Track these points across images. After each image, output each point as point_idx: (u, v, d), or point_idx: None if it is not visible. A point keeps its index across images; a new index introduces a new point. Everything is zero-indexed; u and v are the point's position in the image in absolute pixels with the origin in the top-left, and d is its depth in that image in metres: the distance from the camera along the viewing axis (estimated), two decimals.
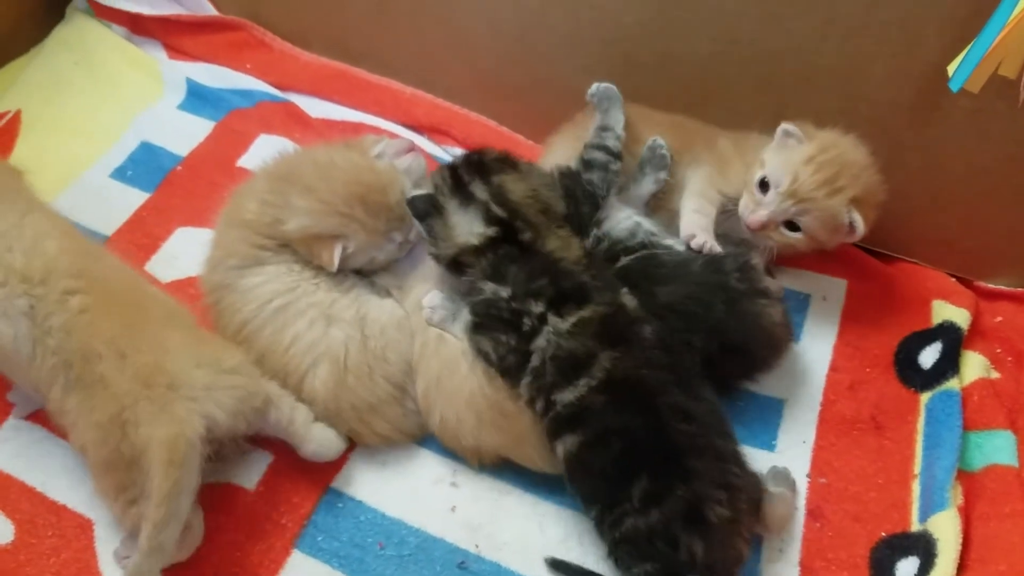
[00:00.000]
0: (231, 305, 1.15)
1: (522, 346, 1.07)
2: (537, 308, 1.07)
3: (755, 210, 1.21)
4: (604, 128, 1.30)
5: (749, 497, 1.02)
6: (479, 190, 1.13)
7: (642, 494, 0.98)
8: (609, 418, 1.02)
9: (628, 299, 1.12)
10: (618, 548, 1.02)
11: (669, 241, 1.26)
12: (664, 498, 0.98)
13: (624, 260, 1.21)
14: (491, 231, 1.11)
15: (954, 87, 1.08)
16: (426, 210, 1.14)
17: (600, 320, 1.06)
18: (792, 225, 1.21)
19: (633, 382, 1.03)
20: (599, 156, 1.27)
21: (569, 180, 1.25)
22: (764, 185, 1.21)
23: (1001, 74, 1.05)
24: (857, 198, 1.18)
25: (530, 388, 1.07)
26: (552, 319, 1.06)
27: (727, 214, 1.28)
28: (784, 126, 1.22)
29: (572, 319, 1.06)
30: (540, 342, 1.06)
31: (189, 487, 0.97)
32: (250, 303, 1.14)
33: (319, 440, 1.11)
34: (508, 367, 1.09)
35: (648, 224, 1.27)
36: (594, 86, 1.33)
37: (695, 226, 1.24)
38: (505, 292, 1.09)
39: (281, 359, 1.12)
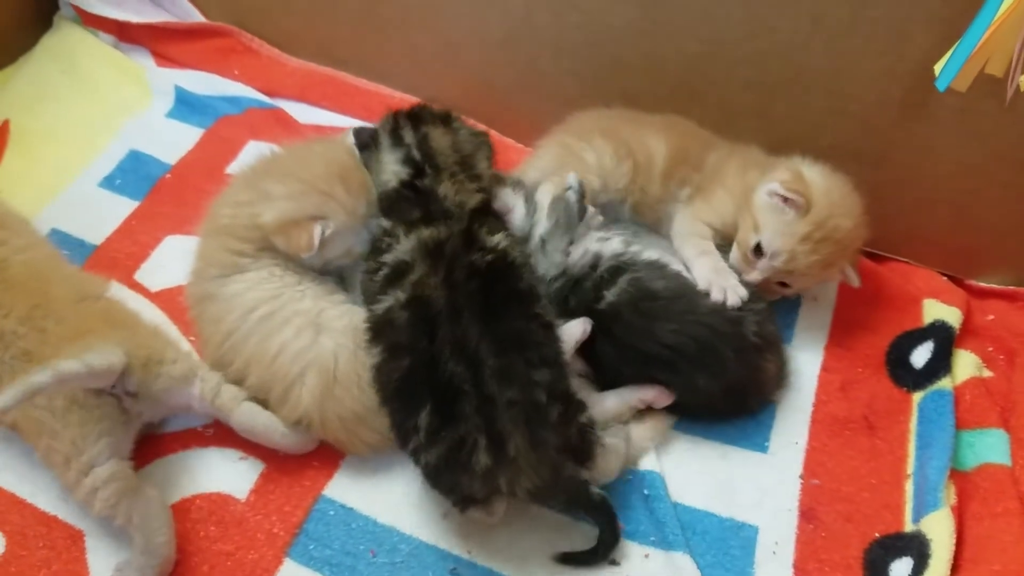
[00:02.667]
0: (214, 315, 1.14)
1: (378, 265, 1.11)
2: (398, 230, 1.12)
3: (749, 272, 1.21)
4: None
5: (524, 443, 0.99)
6: (408, 135, 1.21)
7: (426, 426, 1.00)
8: (401, 334, 1.04)
9: (504, 240, 1.11)
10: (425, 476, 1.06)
11: (650, 254, 1.21)
12: (436, 438, 1.00)
13: (608, 297, 1.16)
14: (405, 172, 1.17)
15: (941, 87, 1.07)
16: (367, 142, 1.23)
17: (435, 240, 1.09)
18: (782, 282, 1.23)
19: (428, 302, 1.04)
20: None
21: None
22: (759, 249, 1.19)
23: (988, 72, 1.05)
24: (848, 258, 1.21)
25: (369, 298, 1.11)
26: (401, 236, 1.11)
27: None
28: (775, 188, 1.16)
29: (413, 237, 1.10)
30: (387, 257, 1.11)
31: (106, 420, 1.05)
32: (233, 312, 1.13)
33: (247, 411, 1.11)
34: (369, 293, 1.12)
35: (616, 243, 1.22)
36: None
37: (709, 270, 1.19)
38: (386, 223, 1.15)
39: (268, 369, 1.11)
